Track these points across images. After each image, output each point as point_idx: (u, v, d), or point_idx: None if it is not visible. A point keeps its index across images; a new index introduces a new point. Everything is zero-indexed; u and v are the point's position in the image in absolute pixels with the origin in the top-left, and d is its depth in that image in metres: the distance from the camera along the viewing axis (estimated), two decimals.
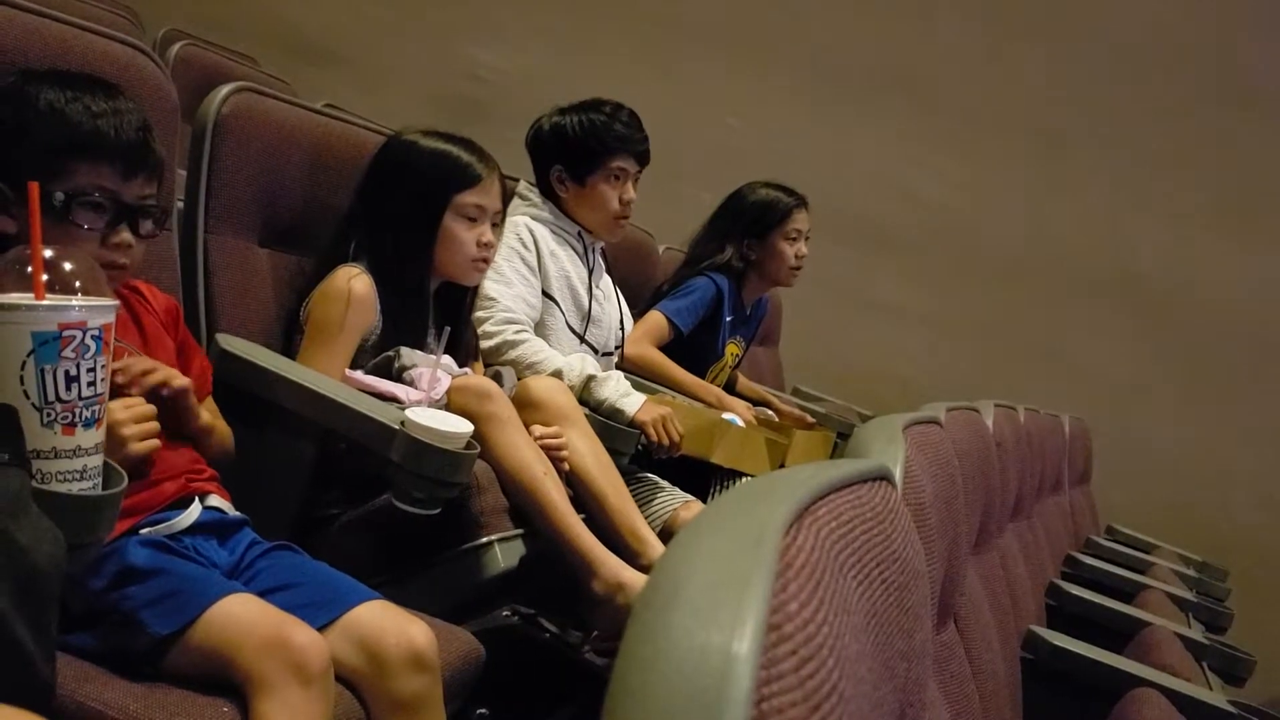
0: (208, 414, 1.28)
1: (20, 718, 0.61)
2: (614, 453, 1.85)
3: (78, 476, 0.89)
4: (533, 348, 1.99)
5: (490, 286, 1.98)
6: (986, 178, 4.10)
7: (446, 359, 1.64)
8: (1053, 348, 4.07)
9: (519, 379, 1.85)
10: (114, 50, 1.37)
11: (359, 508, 1.49)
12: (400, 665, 1.10)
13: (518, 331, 1.99)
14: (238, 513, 1.25)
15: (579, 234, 2.20)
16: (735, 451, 2.20)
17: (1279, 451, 3.90)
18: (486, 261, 1.73)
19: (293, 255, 1.71)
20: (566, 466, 1.73)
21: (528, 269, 2.08)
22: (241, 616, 1.03)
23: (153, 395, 1.14)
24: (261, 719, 0.98)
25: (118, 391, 1.09)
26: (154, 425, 1.09)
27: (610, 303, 2.29)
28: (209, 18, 3.99)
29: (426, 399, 1.54)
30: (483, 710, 1.41)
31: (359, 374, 1.58)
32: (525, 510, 1.59)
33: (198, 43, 3.26)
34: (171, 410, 1.18)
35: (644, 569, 1.64)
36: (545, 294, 2.11)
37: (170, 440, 1.19)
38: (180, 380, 1.18)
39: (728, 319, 2.69)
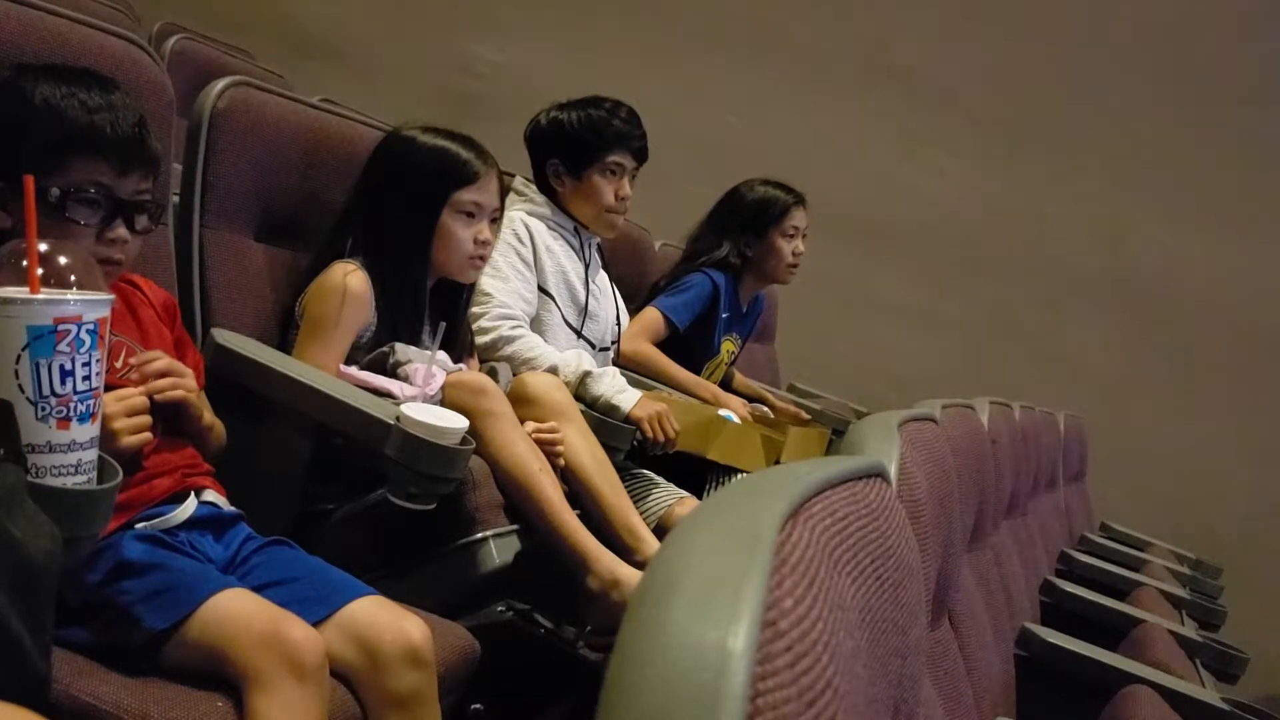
0: (209, 414, 1.28)
1: (16, 714, 0.61)
2: (609, 449, 1.84)
3: (72, 471, 0.89)
4: (528, 343, 1.99)
5: (486, 282, 1.98)
6: (985, 176, 4.11)
7: (441, 355, 1.64)
8: (1049, 345, 4.07)
9: (514, 375, 1.85)
10: (110, 44, 1.37)
11: (354, 503, 1.49)
12: (396, 661, 1.10)
13: (513, 327, 1.99)
14: (233, 508, 1.25)
15: (575, 229, 2.19)
16: (731, 448, 2.19)
17: (1274, 449, 3.91)
18: (483, 259, 1.73)
19: (288, 250, 1.70)
20: (562, 462, 1.73)
21: (523, 264, 2.08)
22: (237, 611, 1.03)
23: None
24: (256, 714, 0.98)
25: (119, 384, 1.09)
26: (146, 419, 1.09)
27: (606, 298, 2.29)
28: (205, 11, 3.98)
29: (421, 395, 1.54)
30: (478, 705, 1.41)
31: (354, 369, 1.57)
32: (520, 506, 1.59)
33: (194, 36, 3.25)
34: (175, 410, 1.18)
35: (639, 565, 1.64)
36: (541, 289, 2.11)
37: (168, 437, 1.19)
38: (189, 386, 1.18)
39: (724, 315, 2.68)
